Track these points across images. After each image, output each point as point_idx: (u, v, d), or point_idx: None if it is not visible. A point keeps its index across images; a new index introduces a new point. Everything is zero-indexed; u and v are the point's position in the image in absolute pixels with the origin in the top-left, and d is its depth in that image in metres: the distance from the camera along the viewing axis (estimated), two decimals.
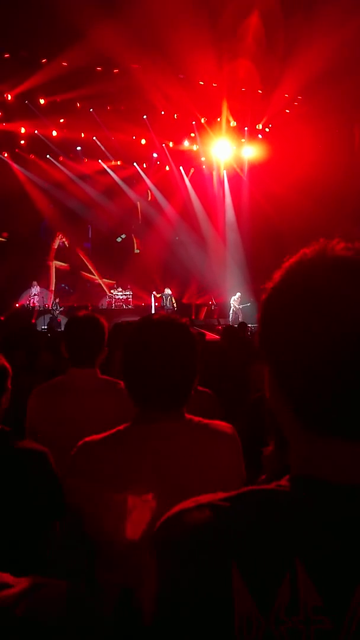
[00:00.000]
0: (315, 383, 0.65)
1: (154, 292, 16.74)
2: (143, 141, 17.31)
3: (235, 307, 16.34)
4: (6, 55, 14.12)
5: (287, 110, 16.50)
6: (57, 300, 16.31)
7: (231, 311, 16.39)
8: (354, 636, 0.59)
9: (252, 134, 17.41)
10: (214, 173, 18.69)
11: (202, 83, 15.47)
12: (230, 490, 0.70)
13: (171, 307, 16.39)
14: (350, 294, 0.65)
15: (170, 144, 17.82)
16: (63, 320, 15.69)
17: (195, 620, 0.62)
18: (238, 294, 16.54)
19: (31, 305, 16.12)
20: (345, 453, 0.66)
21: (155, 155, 18.21)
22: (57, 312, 15.72)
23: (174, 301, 16.68)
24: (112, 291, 17.26)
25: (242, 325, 8.12)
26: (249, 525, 0.64)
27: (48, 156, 17.49)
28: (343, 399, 0.64)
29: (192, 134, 17.43)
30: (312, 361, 0.65)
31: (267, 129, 17.32)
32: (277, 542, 0.63)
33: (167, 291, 16.70)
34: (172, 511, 0.70)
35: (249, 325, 9.39)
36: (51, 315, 15.73)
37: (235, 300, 16.44)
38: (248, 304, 16.15)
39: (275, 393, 0.71)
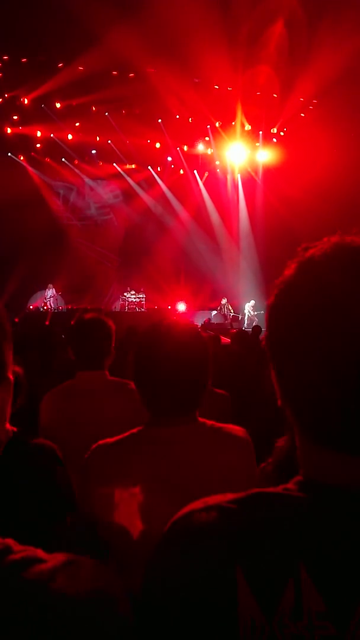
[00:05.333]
0: (316, 400, 0.63)
1: (224, 300, 16.65)
2: (158, 145, 17.37)
3: (250, 313, 16.30)
4: (23, 60, 14.30)
5: (302, 114, 16.45)
6: None
7: (246, 317, 16.35)
8: None
9: (267, 138, 17.38)
10: (229, 177, 18.68)
11: (217, 87, 15.51)
12: None
13: (229, 314, 16.46)
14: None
15: (185, 148, 17.86)
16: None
17: (200, 622, 0.62)
18: (252, 301, 16.49)
19: (45, 307, 16.19)
20: (352, 464, 0.64)
21: (169, 158, 18.25)
22: None
23: (231, 309, 16.68)
24: (125, 294, 17.30)
25: (257, 328, 8.04)
26: (254, 528, 0.64)
27: (63, 159, 17.64)
28: (348, 418, 0.62)
29: (207, 138, 17.46)
30: (315, 375, 0.63)
31: (281, 133, 17.28)
32: (281, 546, 0.62)
33: (224, 301, 16.78)
34: (182, 511, 0.71)
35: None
36: None
37: (250, 307, 16.41)
38: (262, 312, 16.08)
39: (281, 398, 0.70)
